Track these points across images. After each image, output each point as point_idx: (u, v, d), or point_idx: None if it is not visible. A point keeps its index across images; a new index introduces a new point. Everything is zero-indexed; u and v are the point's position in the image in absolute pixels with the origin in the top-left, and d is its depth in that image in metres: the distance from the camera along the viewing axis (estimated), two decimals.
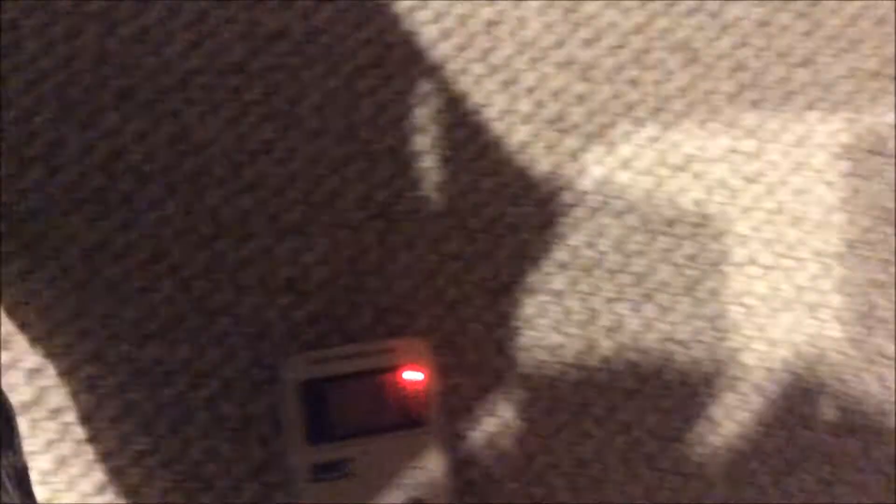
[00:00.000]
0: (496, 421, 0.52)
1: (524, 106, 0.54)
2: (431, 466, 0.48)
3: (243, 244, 0.51)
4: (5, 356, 0.48)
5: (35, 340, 0.48)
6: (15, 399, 0.47)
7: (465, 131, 0.53)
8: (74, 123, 0.49)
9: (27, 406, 0.47)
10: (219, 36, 0.51)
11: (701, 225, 0.54)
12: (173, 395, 0.49)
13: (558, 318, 0.53)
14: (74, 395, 0.48)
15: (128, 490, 0.47)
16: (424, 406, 0.48)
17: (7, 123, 0.49)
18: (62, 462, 0.47)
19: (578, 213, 0.54)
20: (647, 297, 0.53)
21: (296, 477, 0.47)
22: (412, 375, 0.48)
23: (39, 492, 0.47)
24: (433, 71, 0.53)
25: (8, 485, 0.41)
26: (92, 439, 0.47)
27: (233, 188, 0.51)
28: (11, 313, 0.48)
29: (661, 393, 0.53)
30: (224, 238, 0.50)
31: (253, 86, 0.52)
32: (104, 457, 0.47)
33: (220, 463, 0.49)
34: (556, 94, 0.54)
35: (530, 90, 0.54)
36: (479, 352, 0.52)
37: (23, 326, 0.48)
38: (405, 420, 0.48)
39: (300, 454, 0.47)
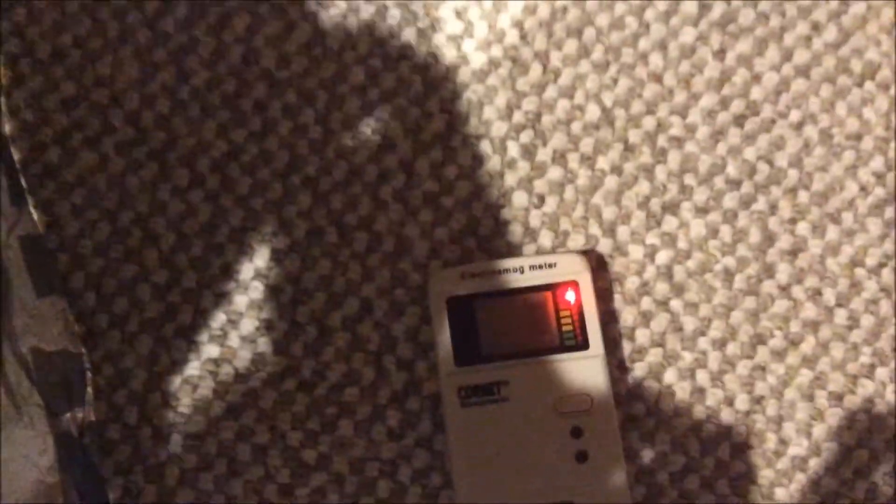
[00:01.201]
0: (660, 351, 0.46)
1: (689, 8, 0.49)
2: (592, 394, 0.42)
3: (381, 156, 0.47)
4: (130, 269, 0.45)
5: (170, 253, 0.45)
6: (146, 315, 0.44)
7: (624, 32, 0.49)
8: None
9: (154, 322, 0.44)
10: None
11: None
12: (308, 314, 0.45)
13: (729, 239, 0.47)
14: (204, 312, 0.45)
15: (261, 414, 0.44)
16: (584, 329, 0.43)
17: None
18: (191, 383, 0.44)
19: (753, 123, 0.48)
20: (833, 217, 0.47)
21: (444, 401, 0.43)
22: (571, 295, 0.43)
23: (169, 415, 0.44)
24: None
25: (76, 438, 0.39)
26: (225, 359, 0.44)
27: (371, 97, 0.47)
28: None
29: (847, 324, 0.46)
30: (360, 150, 0.47)
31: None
32: (237, 378, 0.44)
33: (360, 387, 0.45)
34: None
35: None
36: (640, 276, 0.47)
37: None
38: (562, 343, 0.43)
39: (448, 376, 0.42)
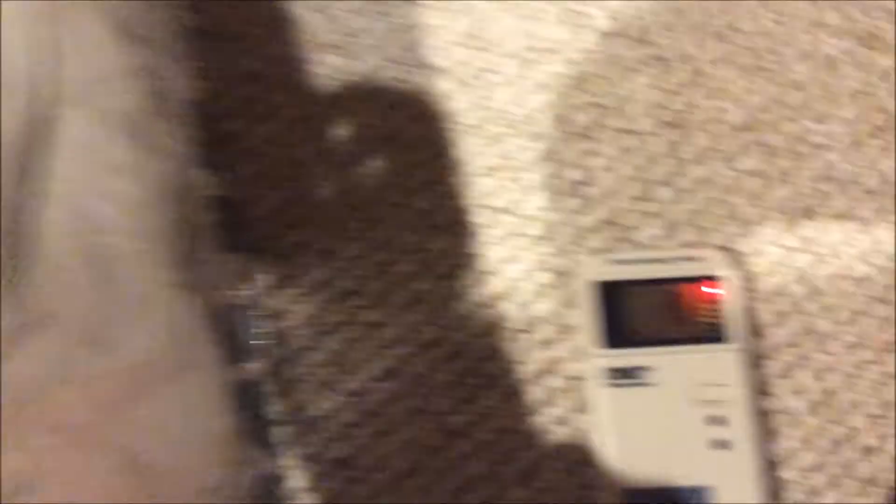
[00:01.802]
0: (795, 351, 0.47)
1: (833, 19, 0.50)
2: (733, 385, 0.44)
3: (531, 143, 0.49)
4: (299, 236, 0.47)
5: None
6: (312, 278, 0.46)
7: (771, 40, 0.50)
8: None
9: (317, 287, 0.47)
10: None
11: None
12: (458, 289, 0.47)
13: (865, 247, 0.48)
14: (364, 279, 0.47)
15: (413, 379, 0.46)
16: (726, 322, 0.44)
17: None
18: (350, 344, 0.46)
19: (892, 135, 0.49)
20: None
21: (590, 380, 0.44)
22: (715, 288, 0.45)
23: (324, 373, 0.46)
24: None
25: (247, 387, 0.41)
26: (379, 324, 0.46)
27: (522, 89, 0.49)
28: None
29: None
30: (513, 136, 0.49)
31: None
32: (392, 343, 0.46)
33: (502, 363, 0.46)
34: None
35: None
36: (777, 276, 0.48)
37: None
38: (705, 334, 0.44)
39: (595, 357, 0.44)
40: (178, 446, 0.39)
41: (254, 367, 0.42)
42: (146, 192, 0.41)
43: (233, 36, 0.49)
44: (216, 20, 0.49)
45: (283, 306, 0.47)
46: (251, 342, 0.43)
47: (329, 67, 0.49)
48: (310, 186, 0.48)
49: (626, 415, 0.43)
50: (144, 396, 0.38)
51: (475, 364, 0.46)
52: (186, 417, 0.39)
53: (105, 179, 0.39)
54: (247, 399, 0.41)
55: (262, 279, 0.46)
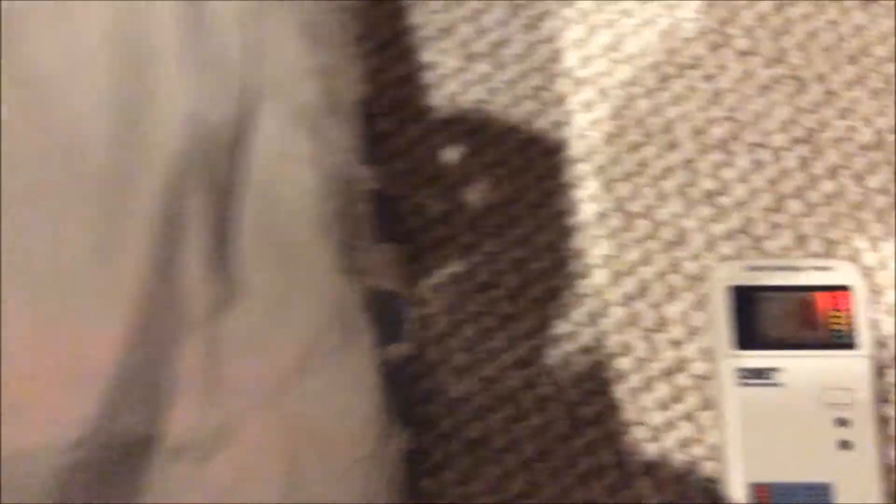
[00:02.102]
0: None
1: None
2: (860, 391, 0.46)
3: (667, 152, 0.51)
4: (444, 229, 0.50)
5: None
6: (452, 270, 0.50)
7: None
8: None
9: (458, 278, 0.50)
10: None
11: None
12: (591, 287, 0.50)
13: None
14: (501, 273, 0.50)
15: (545, 370, 0.49)
16: (855, 330, 0.46)
17: None
18: (486, 333, 0.49)
19: None
20: None
21: (720, 379, 0.46)
22: (844, 298, 0.47)
23: (461, 358, 0.49)
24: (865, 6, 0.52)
25: (395, 368, 0.44)
26: (515, 317, 0.49)
27: (660, 99, 0.52)
28: None
29: None
30: (650, 145, 0.51)
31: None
32: (527, 335, 0.49)
33: (635, 359, 0.49)
34: None
35: None
36: None
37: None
38: (835, 340, 0.46)
39: (727, 357, 0.46)
40: (339, 416, 0.42)
41: (401, 350, 0.45)
42: (320, 182, 0.44)
43: (388, 42, 0.53)
44: (374, 27, 0.52)
45: (427, 294, 0.50)
46: (399, 326, 0.46)
47: (476, 74, 0.52)
48: (454, 185, 0.51)
49: (754, 413, 0.45)
50: (314, 369, 0.41)
51: (605, 359, 0.49)
52: (347, 391, 0.43)
53: (289, 168, 0.43)
54: (393, 378, 0.44)
55: (408, 268, 0.50)
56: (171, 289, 0.38)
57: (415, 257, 0.50)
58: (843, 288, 0.47)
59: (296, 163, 0.43)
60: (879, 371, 0.48)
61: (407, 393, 0.48)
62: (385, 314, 0.45)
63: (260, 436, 0.39)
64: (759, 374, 0.45)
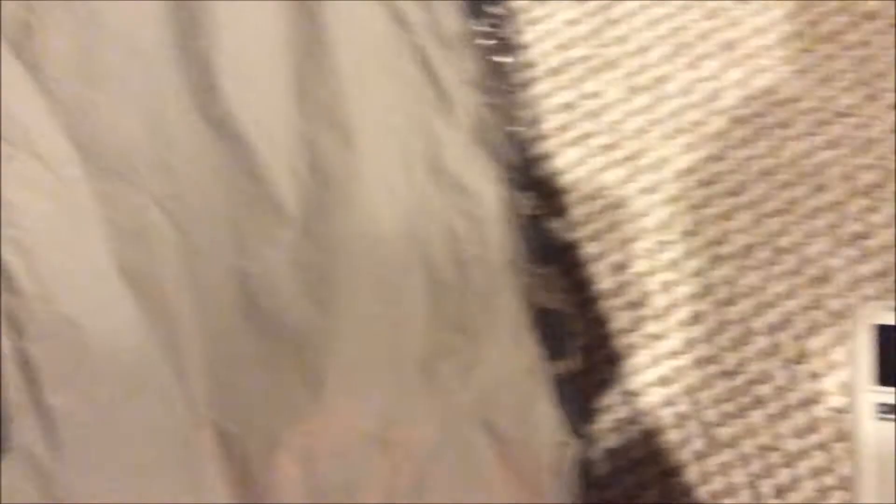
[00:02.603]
0: None
1: None
2: None
3: (817, 194, 0.54)
4: (596, 247, 0.54)
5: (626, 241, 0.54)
6: (601, 288, 0.53)
7: None
8: None
9: (605, 295, 0.53)
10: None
11: None
12: (737, 315, 0.52)
13: None
14: (648, 294, 0.53)
15: (687, 389, 0.51)
16: None
17: None
18: (630, 350, 0.52)
19: None
20: None
21: (857, 412, 0.48)
22: None
23: (605, 370, 0.52)
24: None
25: (565, 383, 0.47)
26: (659, 336, 0.52)
27: (814, 143, 0.54)
28: None
29: None
30: (801, 185, 0.54)
31: (842, 56, 0.55)
32: (669, 354, 0.52)
33: (773, 386, 0.51)
34: None
35: None
36: None
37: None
38: None
39: (865, 392, 0.48)
40: (528, 425, 0.45)
41: (568, 366, 0.48)
42: (487, 208, 0.48)
43: (552, 71, 0.56)
44: (543, 55, 0.56)
45: (572, 310, 0.53)
46: (564, 343, 0.49)
47: (637, 106, 0.56)
48: (607, 207, 0.54)
49: (889, 446, 0.47)
50: (509, 384, 0.44)
51: (746, 385, 0.52)
52: (535, 404, 0.45)
53: (457, 196, 0.47)
54: (564, 392, 0.47)
55: (563, 286, 0.53)
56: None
57: (566, 275, 0.54)
58: None
59: (460, 191, 0.47)
60: None
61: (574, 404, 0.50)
62: (554, 331, 0.48)
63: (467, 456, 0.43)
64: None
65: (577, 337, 0.51)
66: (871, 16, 0.56)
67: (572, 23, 0.57)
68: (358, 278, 0.44)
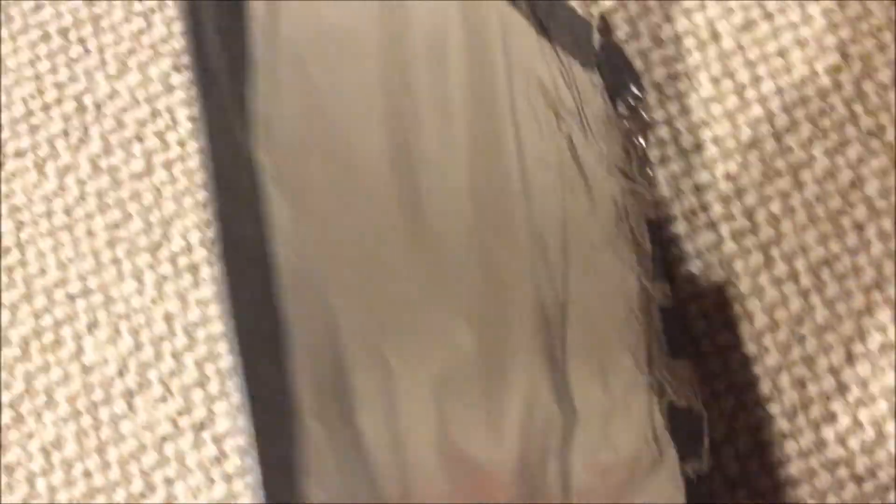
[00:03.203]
0: None
1: None
2: None
3: None
4: (727, 337, 0.53)
5: None
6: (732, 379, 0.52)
7: None
8: None
9: (739, 388, 0.52)
10: None
11: None
12: (869, 417, 0.51)
13: None
14: (782, 390, 0.52)
15: (814, 492, 0.51)
16: None
17: None
18: (762, 446, 0.52)
19: None
20: None
21: None
22: None
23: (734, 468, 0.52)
24: None
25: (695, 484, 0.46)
26: (791, 434, 0.51)
27: None
28: None
29: None
30: None
31: None
32: (800, 454, 0.51)
33: None
34: None
35: None
36: None
37: None
38: None
39: None
40: None
41: (699, 467, 0.47)
42: (626, 295, 0.47)
43: (693, 148, 0.54)
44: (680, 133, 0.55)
45: (705, 400, 0.52)
46: (696, 443, 0.48)
47: (777, 189, 0.54)
48: (739, 295, 0.53)
49: None
50: (638, 487, 0.43)
51: (875, 490, 0.51)
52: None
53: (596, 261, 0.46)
54: (693, 494, 0.46)
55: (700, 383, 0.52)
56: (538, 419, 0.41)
57: (695, 363, 0.52)
58: None
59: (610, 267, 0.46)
60: None
61: None
62: (682, 430, 0.47)
63: None
64: None
65: (707, 436, 0.50)
66: None
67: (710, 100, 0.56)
68: None
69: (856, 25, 0.56)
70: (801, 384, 0.52)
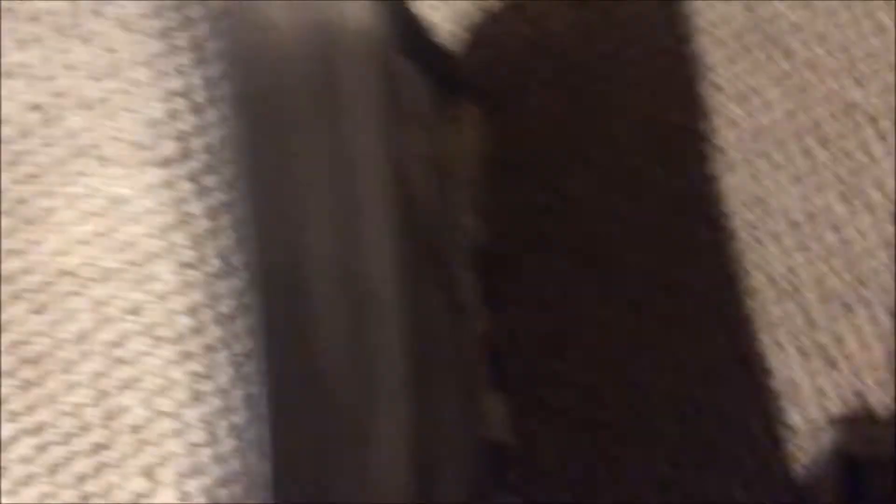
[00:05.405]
0: None
1: None
2: None
3: (785, 300, 0.51)
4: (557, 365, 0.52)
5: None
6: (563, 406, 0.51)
7: None
8: None
9: (562, 414, 0.51)
10: None
11: None
12: (699, 436, 0.50)
13: None
14: (614, 414, 0.51)
15: None
16: None
17: None
18: (590, 471, 0.51)
19: None
20: None
21: None
22: None
23: (567, 496, 0.51)
24: None
25: None
26: (623, 459, 0.50)
27: (787, 244, 0.52)
28: None
29: None
30: (768, 293, 0.52)
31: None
32: (631, 479, 0.50)
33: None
34: None
35: None
36: None
37: None
38: None
39: None
40: None
41: (509, 501, 0.46)
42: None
43: (525, 165, 0.53)
44: (512, 149, 0.53)
45: (535, 427, 0.51)
46: (505, 477, 0.47)
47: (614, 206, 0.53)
48: (573, 319, 0.52)
49: None
50: None
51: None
52: None
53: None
54: None
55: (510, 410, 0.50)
56: None
57: (525, 390, 0.51)
58: None
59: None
60: None
61: None
62: (494, 463, 0.46)
63: None
64: None
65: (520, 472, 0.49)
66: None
67: None
68: None
69: None
70: (633, 408, 0.51)
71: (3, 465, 0.24)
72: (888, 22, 0.52)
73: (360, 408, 0.33)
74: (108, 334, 0.25)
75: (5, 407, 0.24)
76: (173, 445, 0.23)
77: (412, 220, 0.40)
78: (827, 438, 0.49)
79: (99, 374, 0.25)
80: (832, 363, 0.51)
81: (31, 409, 0.24)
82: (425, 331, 0.40)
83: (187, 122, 0.26)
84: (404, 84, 0.44)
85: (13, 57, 0.26)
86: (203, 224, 0.25)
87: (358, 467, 0.32)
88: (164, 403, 0.24)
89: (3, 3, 0.27)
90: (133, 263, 0.25)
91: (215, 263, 0.25)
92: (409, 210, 0.40)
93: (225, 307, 0.25)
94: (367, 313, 0.35)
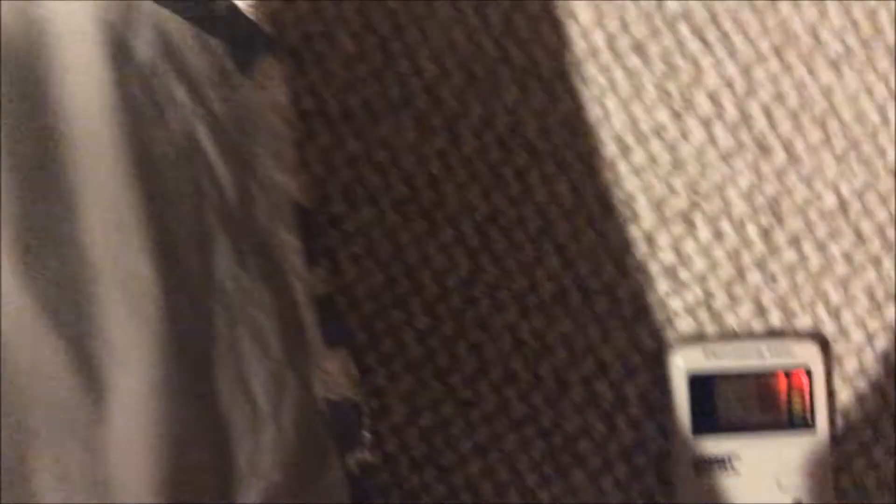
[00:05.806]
0: (870, 432, 0.50)
1: None
2: (816, 470, 0.46)
3: (627, 226, 0.51)
4: (398, 315, 0.50)
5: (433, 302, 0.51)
6: (408, 357, 0.50)
7: (865, 126, 0.51)
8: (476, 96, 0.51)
9: (414, 365, 0.50)
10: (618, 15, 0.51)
11: None
12: (550, 368, 0.50)
13: None
14: (458, 358, 0.50)
15: (504, 455, 0.49)
16: (813, 411, 0.47)
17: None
18: (443, 421, 0.50)
19: None
20: None
21: (678, 467, 0.47)
22: (803, 379, 0.47)
23: (423, 448, 0.50)
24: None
25: (358, 478, 0.44)
26: (475, 402, 0.50)
27: (621, 170, 0.51)
28: None
29: None
30: (609, 220, 0.51)
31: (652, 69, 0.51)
32: (483, 420, 0.50)
33: (592, 440, 0.50)
34: None
35: None
36: (859, 358, 0.50)
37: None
38: (792, 422, 0.47)
39: (684, 444, 0.47)
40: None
41: (361, 458, 0.45)
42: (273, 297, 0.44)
43: (341, 117, 0.51)
44: (325, 102, 0.51)
45: (382, 383, 0.50)
46: (356, 434, 0.46)
47: (434, 148, 0.51)
48: (407, 267, 0.51)
49: (711, 498, 0.46)
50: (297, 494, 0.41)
51: (564, 442, 0.50)
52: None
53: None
54: (357, 488, 0.45)
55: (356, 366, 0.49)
56: None
57: (369, 346, 0.50)
58: (802, 368, 0.47)
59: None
60: (833, 442, 0.49)
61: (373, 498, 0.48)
62: (342, 423, 0.45)
63: None
64: (717, 463, 0.46)
65: (369, 427, 0.48)
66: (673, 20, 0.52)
67: None
68: None
69: None
70: (477, 348, 0.50)
71: None
72: None
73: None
74: None
75: None
76: None
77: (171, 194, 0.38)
78: (679, 358, 0.48)
79: None
80: (681, 283, 0.51)
81: None
82: (204, 303, 0.39)
83: None
84: (186, 54, 0.42)
85: None
86: None
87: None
88: None
89: None
90: None
91: None
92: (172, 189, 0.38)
93: None
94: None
